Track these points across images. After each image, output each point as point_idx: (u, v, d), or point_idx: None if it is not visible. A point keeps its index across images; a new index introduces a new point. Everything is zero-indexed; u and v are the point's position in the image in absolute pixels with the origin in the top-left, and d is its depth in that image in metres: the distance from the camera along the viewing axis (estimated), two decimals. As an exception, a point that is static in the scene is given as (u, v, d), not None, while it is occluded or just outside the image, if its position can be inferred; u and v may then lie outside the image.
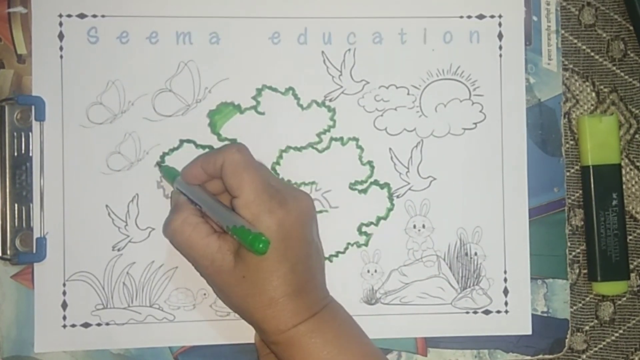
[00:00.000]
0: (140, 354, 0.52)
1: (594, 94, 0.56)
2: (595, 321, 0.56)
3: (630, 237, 0.56)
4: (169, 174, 0.51)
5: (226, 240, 0.46)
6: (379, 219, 0.54)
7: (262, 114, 0.53)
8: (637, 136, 0.57)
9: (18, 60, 0.52)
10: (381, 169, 0.54)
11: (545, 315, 0.55)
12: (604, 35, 0.57)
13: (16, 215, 0.51)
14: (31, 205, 0.52)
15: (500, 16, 0.55)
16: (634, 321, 0.56)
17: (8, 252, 0.51)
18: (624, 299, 0.56)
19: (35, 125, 0.52)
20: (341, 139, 0.54)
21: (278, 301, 0.46)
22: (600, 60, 0.57)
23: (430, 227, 0.54)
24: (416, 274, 0.54)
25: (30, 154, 0.52)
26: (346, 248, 0.54)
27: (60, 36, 0.52)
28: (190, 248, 0.47)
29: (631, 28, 0.57)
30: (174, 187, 0.50)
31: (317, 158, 0.54)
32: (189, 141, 0.53)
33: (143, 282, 0.52)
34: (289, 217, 0.46)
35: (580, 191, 0.56)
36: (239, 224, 0.45)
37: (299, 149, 0.54)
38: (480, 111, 0.55)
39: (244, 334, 0.52)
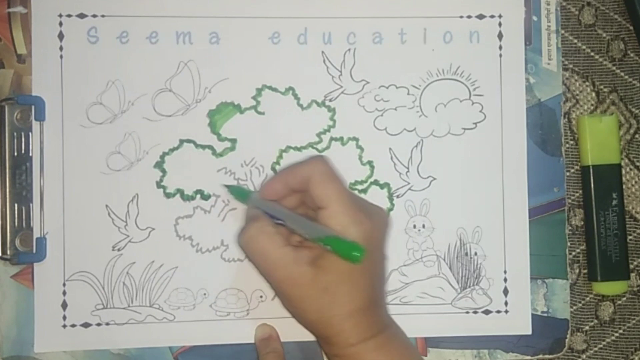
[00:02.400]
0: (140, 354, 0.52)
1: (594, 94, 0.56)
2: (595, 321, 0.56)
3: (630, 237, 0.56)
4: (240, 193, 0.51)
5: (302, 253, 0.45)
6: (379, 218, 0.54)
7: (262, 113, 0.53)
8: (637, 136, 0.57)
9: (18, 60, 0.52)
10: (381, 168, 0.54)
11: (545, 315, 0.55)
12: (604, 35, 0.57)
13: (16, 215, 0.51)
14: (31, 205, 0.52)
15: (500, 16, 0.55)
16: (634, 321, 0.56)
17: (8, 252, 0.51)
18: (624, 298, 0.56)
19: (35, 125, 0.52)
20: (341, 138, 0.54)
21: (355, 314, 0.45)
22: (600, 60, 0.57)
23: (430, 227, 0.54)
24: (416, 273, 0.54)
25: (30, 154, 0.52)
26: (346, 248, 0.54)
27: (60, 36, 0.52)
28: (264, 257, 0.46)
29: (631, 28, 0.57)
30: (248, 204, 0.50)
31: (317, 158, 0.54)
32: (188, 141, 0.53)
33: (143, 282, 0.52)
34: (375, 230, 0.46)
35: (580, 191, 0.56)
36: (332, 234, 0.44)
37: (299, 149, 0.54)
38: (480, 111, 0.55)
39: (244, 334, 0.52)
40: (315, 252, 0.46)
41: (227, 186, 0.52)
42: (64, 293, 0.52)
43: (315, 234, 0.45)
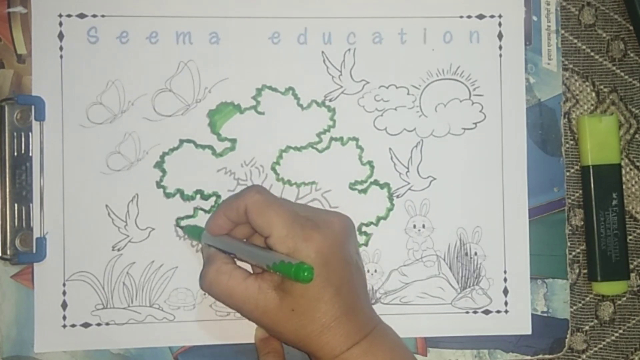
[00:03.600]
0: (140, 354, 0.52)
1: (593, 94, 0.56)
2: (595, 321, 0.56)
3: (630, 237, 0.56)
4: (193, 232, 0.51)
5: (264, 279, 0.46)
6: (378, 218, 0.54)
7: (262, 113, 0.53)
8: (637, 136, 0.57)
9: (18, 60, 0.52)
10: (381, 168, 0.54)
11: (545, 315, 0.55)
12: (604, 35, 0.57)
13: (16, 215, 0.51)
14: (31, 205, 0.52)
15: (500, 16, 0.55)
16: (633, 321, 0.56)
17: (8, 252, 0.51)
18: (624, 298, 0.56)
19: (35, 125, 0.52)
20: (341, 138, 0.54)
21: (330, 326, 0.45)
22: (600, 60, 0.57)
23: (430, 227, 0.54)
24: (416, 273, 0.54)
25: (30, 154, 0.52)
26: (346, 248, 0.53)
27: (60, 36, 0.52)
28: (230, 296, 0.47)
29: (631, 28, 0.57)
30: (202, 243, 0.50)
31: (317, 158, 0.54)
32: (188, 141, 0.53)
33: (143, 282, 0.52)
34: (326, 241, 0.46)
35: (580, 191, 0.56)
36: (278, 260, 0.44)
37: (298, 149, 0.54)
38: (480, 111, 0.55)
39: (244, 334, 0.52)
40: (276, 277, 0.46)
41: (182, 227, 0.52)
42: (64, 293, 0.52)
43: (264, 263, 0.45)
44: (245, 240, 0.50)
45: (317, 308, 0.45)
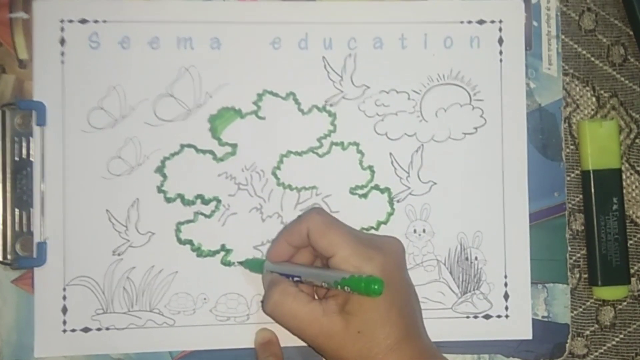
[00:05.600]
0: (140, 358, 0.52)
1: (594, 99, 0.57)
2: (596, 326, 0.56)
3: (630, 242, 0.56)
4: (255, 265, 0.51)
5: (329, 303, 0.46)
6: (379, 223, 0.54)
7: (263, 118, 0.53)
8: (637, 141, 0.57)
9: (19, 65, 0.52)
10: (381, 173, 0.54)
11: (546, 319, 0.54)
12: (604, 40, 0.57)
13: (16, 220, 0.51)
14: (31, 210, 0.52)
15: (500, 21, 0.55)
16: (634, 326, 0.56)
17: (8, 256, 0.51)
18: (625, 303, 0.56)
19: (36, 130, 0.52)
20: (342, 143, 0.54)
21: (394, 349, 0.45)
22: (601, 65, 0.57)
23: (431, 231, 0.54)
24: (416, 278, 0.53)
25: (31, 159, 0.52)
26: (347, 253, 0.53)
27: (62, 41, 0.52)
28: (294, 317, 0.46)
29: (631, 33, 0.57)
30: (264, 272, 0.50)
31: (318, 163, 0.54)
32: (189, 146, 0.53)
33: (143, 286, 0.52)
34: (388, 261, 0.46)
35: (581, 196, 0.56)
36: (348, 275, 0.45)
37: (299, 154, 0.54)
38: (481, 116, 0.55)
39: (244, 339, 0.52)
40: (340, 300, 0.46)
41: (241, 262, 0.52)
42: (64, 298, 0.52)
43: (332, 280, 0.45)
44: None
45: (382, 330, 0.45)
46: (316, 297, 0.49)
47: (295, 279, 0.48)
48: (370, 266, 0.45)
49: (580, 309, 0.56)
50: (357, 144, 0.54)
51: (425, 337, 0.48)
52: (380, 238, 0.49)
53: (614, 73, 0.57)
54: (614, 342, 0.56)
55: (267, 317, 0.52)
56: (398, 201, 0.54)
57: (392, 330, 0.45)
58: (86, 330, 0.52)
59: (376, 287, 0.43)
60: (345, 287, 0.45)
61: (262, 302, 0.49)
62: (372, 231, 0.54)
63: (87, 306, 0.52)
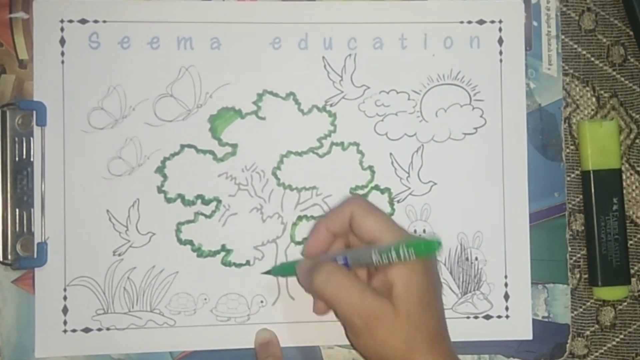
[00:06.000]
0: (141, 359, 0.52)
1: (594, 99, 0.57)
2: (596, 326, 0.56)
3: (630, 242, 0.56)
4: (285, 269, 0.51)
5: (377, 288, 0.45)
6: (379, 223, 0.54)
7: (263, 118, 0.54)
8: (637, 141, 0.57)
9: (20, 65, 0.52)
10: (382, 173, 0.54)
11: (546, 320, 0.54)
12: (604, 40, 0.57)
13: (17, 220, 0.51)
14: (32, 210, 0.52)
15: (500, 21, 0.55)
16: (634, 326, 0.56)
17: (9, 257, 0.51)
18: (625, 303, 0.56)
19: (37, 130, 0.52)
20: (342, 143, 0.54)
21: (434, 340, 0.45)
22: (601, 65, 0.57)
23: (431, 231, 0.54)
24: (417, 278, 0.54)
25: (32, 159, 0.52)
26: (347, 253, 0.54)
27: (62, 41, 0.52)
28: (347, 292, 0.45)
29: (631, 33, 0.57)
30: (298, 273, 0.49)
31: (318, 163, 0.54)
32: (189, 146, 0.53)
33: (144, 287, 0.52)
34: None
35: (581, 196, 0.56)
36: (402, 239, 0.44)
37: (299, 154, 0.54)
38: (481, 116, 0.55)
39: (244, 339, 0.52)
40: (386, 283, 0.45)
41: (267, 272, 0.52)
42: (65, 298, 0.52)
43: (386, 249, 0.44)
44: None
45: (426, 316, 0.45)
46: None
47: (341, 262, 0.46)
48: None
49: (581, 309, 0.56)
50: (357, 144, 0.54)
51: (451, 344, 0.48)
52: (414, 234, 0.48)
53: (614, 73, 0.57)
54: (614, 343, 0.56)
55: (267, 317, 0.53)
56: (398, 201, 0.54)
57: (432, 321, 0.45)
58: (87, 330, 0.52)
59: (437, 244, 0.44)
60: (403, 250, 0.43)
61: (312, 275, 0.46)
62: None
63: (87, 306, 0.52)
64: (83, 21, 0.53)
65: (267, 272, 0.52)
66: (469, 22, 0.55)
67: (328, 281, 0.45)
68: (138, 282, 0.52)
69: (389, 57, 0.54)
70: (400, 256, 0.44)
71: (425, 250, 0.44)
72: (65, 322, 0.52)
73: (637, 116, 0.57)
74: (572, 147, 0.56)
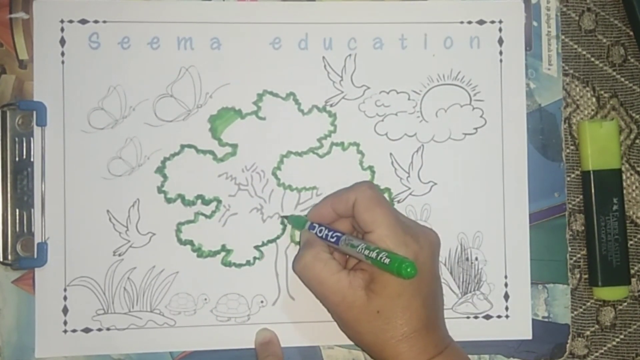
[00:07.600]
0: (141, 359, 0.52)
1: (594, 99, 0.57)
2: (596, 326, 0.56)
3: (631, 242, 0.56)
4: (297, 221, 0.52)
5: (356, 277, 0.46)
6: (379, 224, 0.54)
7: (263, 119, 0.54)
8: (637, 141, 0.57)
9: (20, 65, 0.52)
10: (382, 174, 0.54)
11: (546, 320, 0.54)
12: (604, 40, 0.57)
13: (17, 221, 0.51)
14: (32, 210, 0.52)
15: (500, 22, 0.55)
16: (635, 326, 0.56)
17: (9, 257, 0.51)
18: (625, 304, 0.56)
19: (37, 130, 0.52)
20: (342, 144, 0.54)
21: (409, 337, 0.46)
22: (601, 65, 0.57)
23: (431, 232, 0.54)
24: (417, 279, 0.54)
25: (32, 159, 0.52)
26: (347, 253, 0.54)
27: (62, 42, 0.52)
28: (321, 283, 0.47)
29: (631, 33, 0.57)
30: (303, 230, 0.51)
31: (318, 163, 0.54)
32: (189, 146, 0.53)
33: (144, 287, 0.52)
34: (422, 251, 0.46)
35: (581, 196, 0.56)
36: (387, 251, 0.45)
37: (299, 154, 0.54)
38: (481, 116, 0.55)
39: (244, 339, 0.52)
40: (368, 276, 0.46)
41: (286, 216, 0.53)
42: (65, 298, 0.52)
43: (370, 249, 0.45)
44: None
45: (402, 315, 0.46)
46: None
47: (332, 240, 0.48)
48: (403, 251, 0.45)
49: (581, 310, 0.56)
50: (357, 145, 0.54)
51: (443, 329, 0.49)
52: (420, 227, 0.49)
53: (614, 73, 0.57)
54: (614, 343, 0.56)
55: (267, 317, 0.53)
56: (398, 201, 0.54)
57: (411, 319, 0.46)
58: (87, 330, 0.52)
59: (409, 270, 0.43)
60: (381, 257, 0.44)
61: (294, 261, 0.49)
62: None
63: (87, 306, 0.52)
64: (83, 21, 0.53)
65: (286, 217, 0.53)
66: (469, 22, 0.55)
67: (309, 266, 0.47)
68: (138, 282, 0.52)
69: (389, 57, 0.54)
70: (377, 264, 0.45)
71: (396, 270, 0.44)
72: (65, 322, 0.52)
73: (637, 116, 0.57)
74: (572, 147, 0.56)
